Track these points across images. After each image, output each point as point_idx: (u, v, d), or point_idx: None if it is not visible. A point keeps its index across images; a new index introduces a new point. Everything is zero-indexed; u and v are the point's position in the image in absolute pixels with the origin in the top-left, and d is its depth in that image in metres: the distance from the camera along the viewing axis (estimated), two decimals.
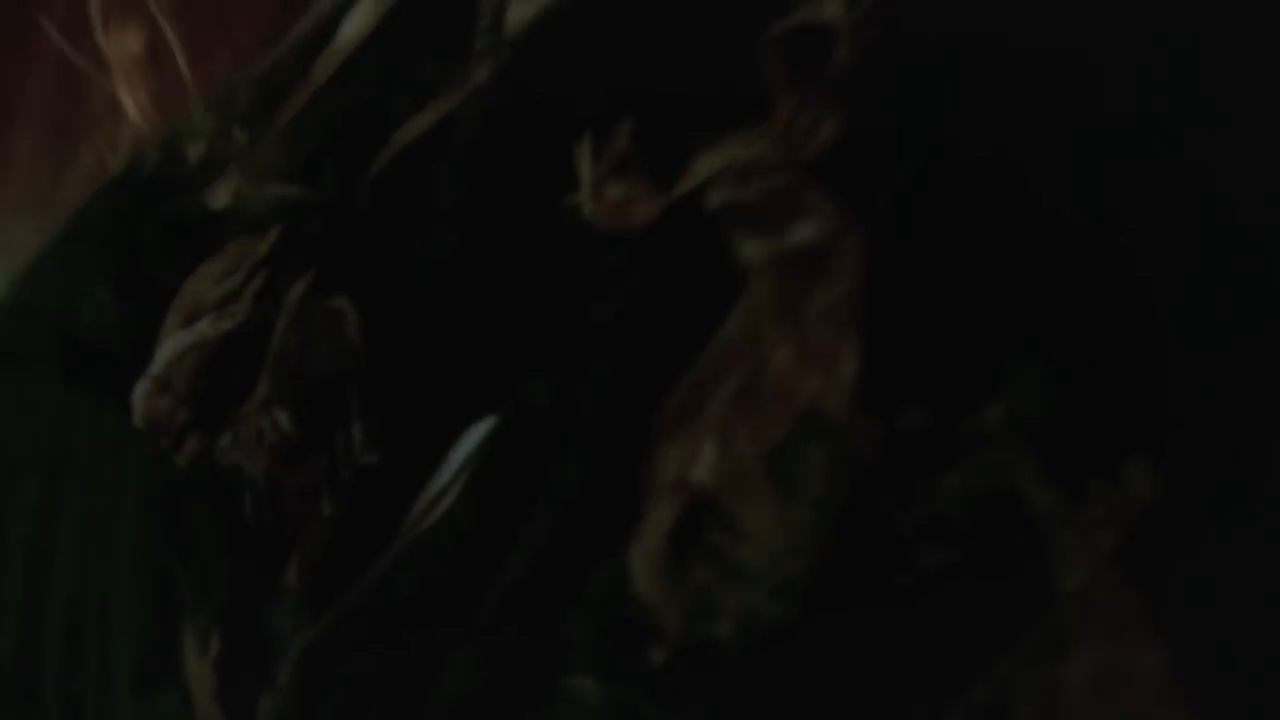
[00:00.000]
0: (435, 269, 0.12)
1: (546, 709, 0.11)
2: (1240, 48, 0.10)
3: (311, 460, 0.12)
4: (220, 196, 0.14)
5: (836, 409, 0.10)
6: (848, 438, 0.10)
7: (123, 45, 0.17)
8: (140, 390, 0.13)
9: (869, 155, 0.11)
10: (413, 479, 0.11)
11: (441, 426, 0.12)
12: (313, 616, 0.11)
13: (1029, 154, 0.11)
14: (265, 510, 0.12)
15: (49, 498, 0.13)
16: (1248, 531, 0.09)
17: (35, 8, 0.18)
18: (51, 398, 0.14)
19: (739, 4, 0.12)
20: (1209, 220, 0.10)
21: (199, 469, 0.12)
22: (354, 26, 0.14)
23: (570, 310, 0.12)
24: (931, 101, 0.11)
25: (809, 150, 0.12)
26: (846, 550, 0.10)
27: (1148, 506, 0.09)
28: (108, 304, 0.14)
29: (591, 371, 0.11)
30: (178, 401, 0.13)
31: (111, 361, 0.13)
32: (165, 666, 0.12)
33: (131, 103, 0.17)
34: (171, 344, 0.13)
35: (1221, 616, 0.09)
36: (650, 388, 0.11)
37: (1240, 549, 0.09)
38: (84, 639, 0.13)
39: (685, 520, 0.11)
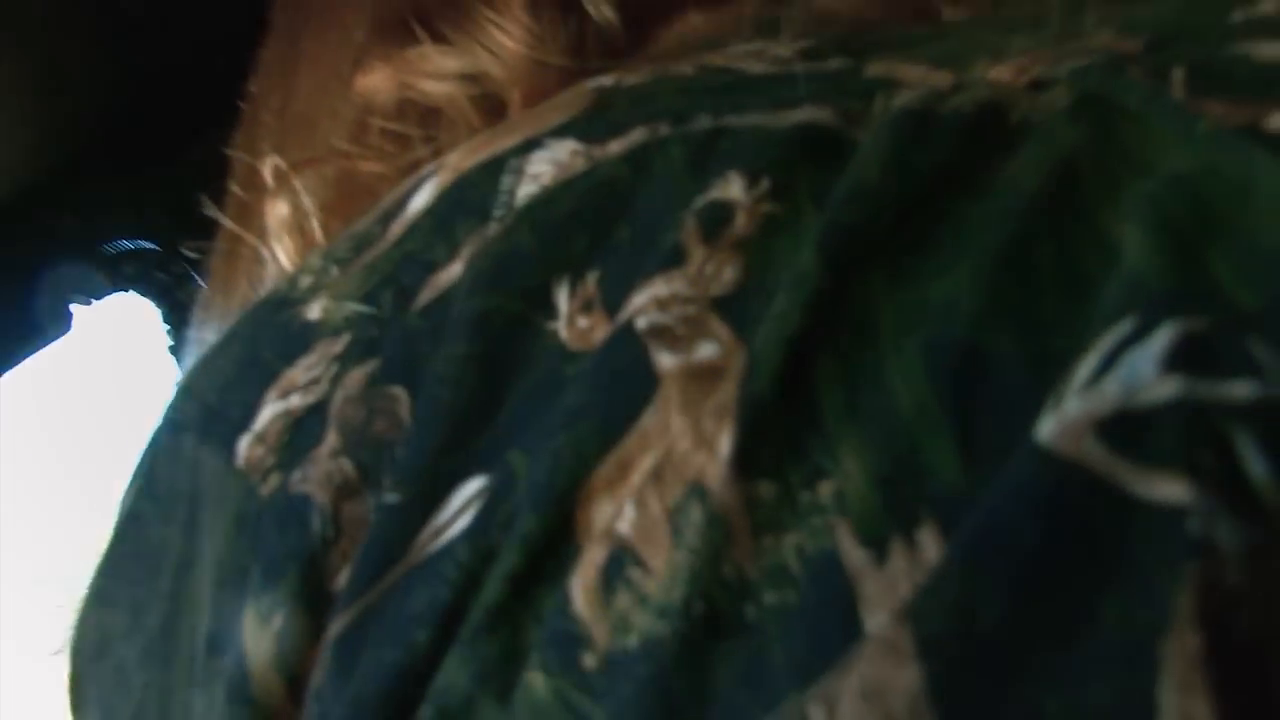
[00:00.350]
0: (453, 366, 0.15)
1: (509, 695, 0.13)
2: None
3: (365, 497, 0.15)
4: (314, 311, 0.17)
5: (715, 480, 0.12)
6: (720, 503, 0.12)
7: (275, 213, 0.22)
8: (244, 442, 0.16)
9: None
10: (421, 515, 0.14)
11: (446, 481, 0.14)
12: (343, 610, 0.14)
13: None
14: (329, 529, 0.15)
15: (191, 518, 0.17)
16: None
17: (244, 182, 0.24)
18: (193, 448, 0.17)
19: (674, 188, 0.15)
20: None
21: (275, 497, 0.15)
22: (418, 202, 0.17)
23: (545, 403, 0.14)
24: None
25: (714, 289, 0.14)
26: (712, 586, 0.12)
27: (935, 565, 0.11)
28: (233, 384, 0.17)
29: (553, 445, 0.14)
30: (268, 450, 0.16)
31: (229, 423, 0.17)
32: (228, 637, 0.15)
33: (280, 253, 0.22)
34: (269, 410, 0.16)
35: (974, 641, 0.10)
36: (591, 458, 0.13)
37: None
38: (198, 618, 0.16)
39: (611, 559, 0.13)
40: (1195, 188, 0.12)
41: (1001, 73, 0.15)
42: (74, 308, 0.43)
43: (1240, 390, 0.11)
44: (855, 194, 0.14)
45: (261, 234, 0.22)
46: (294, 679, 0.14)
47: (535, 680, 0.13)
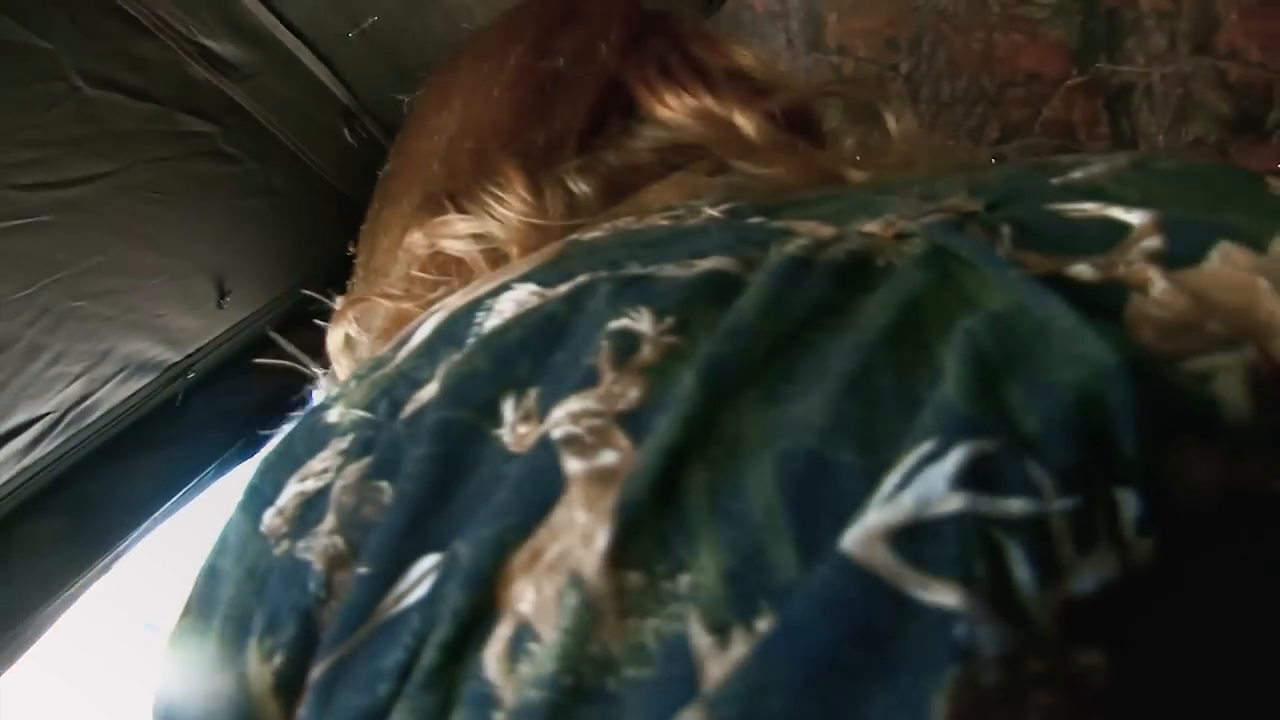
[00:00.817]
0: (418, 465, 0.17)
1: None
2: None
3: (352, 567, 0.16)
4: (333, 415, 0.19)
5: (590, 570, 0.13)
6: (592, 590, 0.13)
7: (334, 338, 0.26)
8: (269, 514, 0.18)
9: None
10: (385, 585, 0.16)
11: (406, 558, 0.16)
12: (325, 655, 0.15)
13: None
14: (322, 592, 0.16)
15: (252, 572, 0.18)
16: None
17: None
18: (237, 516, 0.19)
19: (596, 319, 0.17)
20: None
21: (283, 559, 0.17)
22: (421, 334, 0.20)
23: (487, 496, 0.16)
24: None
25: (620, 405, 0.15)
26: (579, 661, 0.13)
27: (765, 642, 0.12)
28: (272, 468, 0.19)
29: (483, 534, 0.15)
30: (284, 521, 0.18)
31: (262, 498, 0.19)
32: (227, 661, 0.17)
33: (337, 369, 0.26)
34: (290, 490, 0.18)
35: None
36: (510, 546, 0.15)
37: None
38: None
39: (516, 633, 0.14)
40: (1005, 324, 0.13)
41: (874, 226, 0.17)
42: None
43: (1016, 507, 0.11)
44: (733, 329, 0.15)
45: (324, 356, 0.26)
46: (289, 706, 0.16)
47: None
